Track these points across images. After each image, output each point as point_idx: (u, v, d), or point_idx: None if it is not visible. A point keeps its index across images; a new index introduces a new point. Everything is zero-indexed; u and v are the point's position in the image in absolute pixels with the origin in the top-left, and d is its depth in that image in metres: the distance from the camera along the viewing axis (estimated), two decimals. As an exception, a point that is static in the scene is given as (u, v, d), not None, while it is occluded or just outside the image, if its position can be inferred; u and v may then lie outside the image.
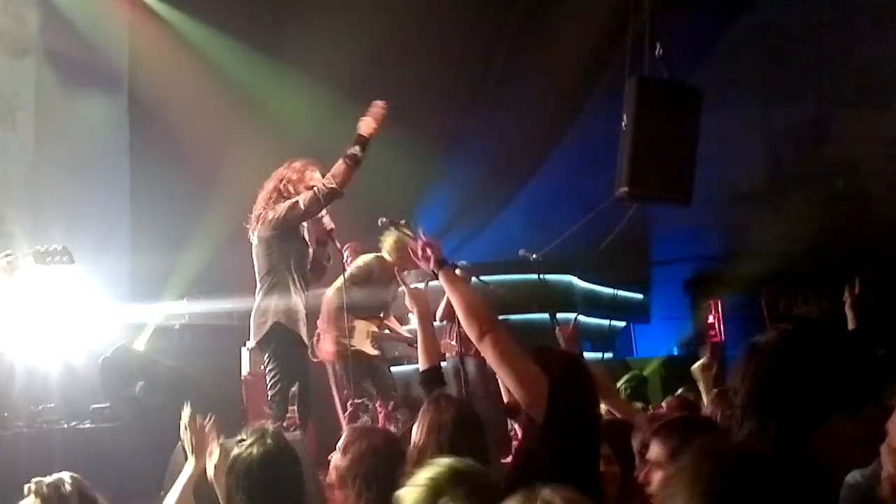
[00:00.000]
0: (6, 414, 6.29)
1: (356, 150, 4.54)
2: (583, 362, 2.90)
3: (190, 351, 7.08)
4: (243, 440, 2.61)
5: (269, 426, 3.61)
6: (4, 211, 8.65)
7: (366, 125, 4.56)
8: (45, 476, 2.32)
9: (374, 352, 5.59)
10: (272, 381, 4.56)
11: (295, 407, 4.84)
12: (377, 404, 5.41)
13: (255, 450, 2.55)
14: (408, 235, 3.85)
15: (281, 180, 4.69)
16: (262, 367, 4.74)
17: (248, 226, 4.78)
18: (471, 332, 2.61)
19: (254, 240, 4.68)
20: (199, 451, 2.86)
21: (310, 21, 8.71)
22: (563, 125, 9.83)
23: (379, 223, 6.18)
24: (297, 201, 4.51)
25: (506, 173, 9.72)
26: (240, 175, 7.24)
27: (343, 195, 4.62)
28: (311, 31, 8.54)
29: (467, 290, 2.69)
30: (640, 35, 5.88)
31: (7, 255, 4.05)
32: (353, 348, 5.41)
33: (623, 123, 5.70)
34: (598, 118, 8.40)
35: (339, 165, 4.53)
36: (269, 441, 2.58)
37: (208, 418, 2.95)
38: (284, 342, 4.54)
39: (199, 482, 2.94)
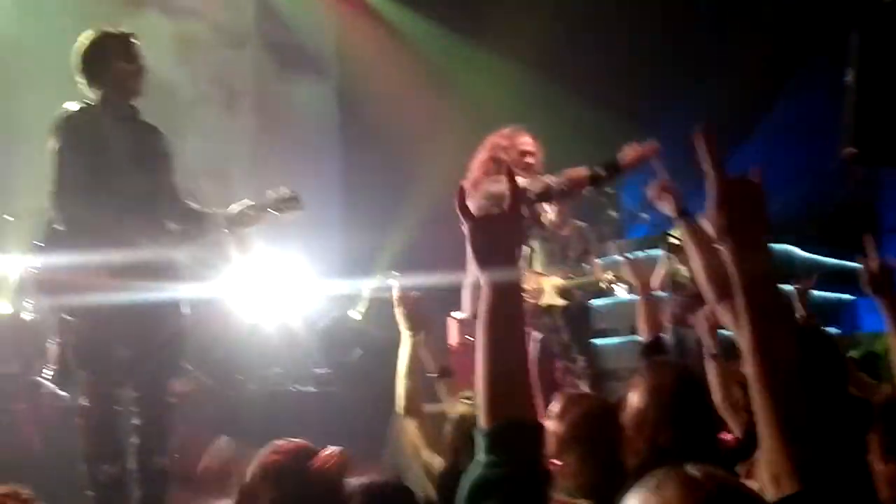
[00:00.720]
0: (241, 377, 6.85)
1: (601, 169, 4.35)
2: (832, 339, 2.64)
3: (400, 321, 7.33)
4: (468, 398, 2.64)
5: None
6: (232, 190, 9.36)
7: (626, 155, 4.34)
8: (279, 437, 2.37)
9: (563, 301, 5.39)
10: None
11: None
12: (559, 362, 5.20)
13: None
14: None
15: (493, 148, 4.61)
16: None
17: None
18: (709, 293, 2.41)
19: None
20: (414, 324, 2.91)
21: (508, 4, 8.75)
22: (775, 84, 9.24)
23: (584, 194, 6.13)
24: (526, 188, 4.39)
25: (717, 137, 9.30)
26: (443, 154, 7.40)
27: (571, 197, 4.48)
28: (508, 15, 8.58)
29: (707, 247, 2.45)
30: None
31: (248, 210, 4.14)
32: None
33: (847, 79, 5.23)
34: (818, 74, 7.82)
35: (579, 172, 4.37)
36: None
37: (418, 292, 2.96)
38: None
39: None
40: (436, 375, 3.12)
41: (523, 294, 2.07)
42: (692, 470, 1.12)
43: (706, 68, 9.10)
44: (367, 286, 7.72)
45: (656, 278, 5.54)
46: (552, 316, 5.40)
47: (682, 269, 6.30)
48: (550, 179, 4.42)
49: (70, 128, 3.61)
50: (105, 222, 3.57)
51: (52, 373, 6.07)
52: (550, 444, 2.63)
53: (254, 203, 4.15)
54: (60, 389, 6.01)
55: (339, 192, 9.65)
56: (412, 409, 2.99)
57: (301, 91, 9.90)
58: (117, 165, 3.72)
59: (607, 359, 6.83)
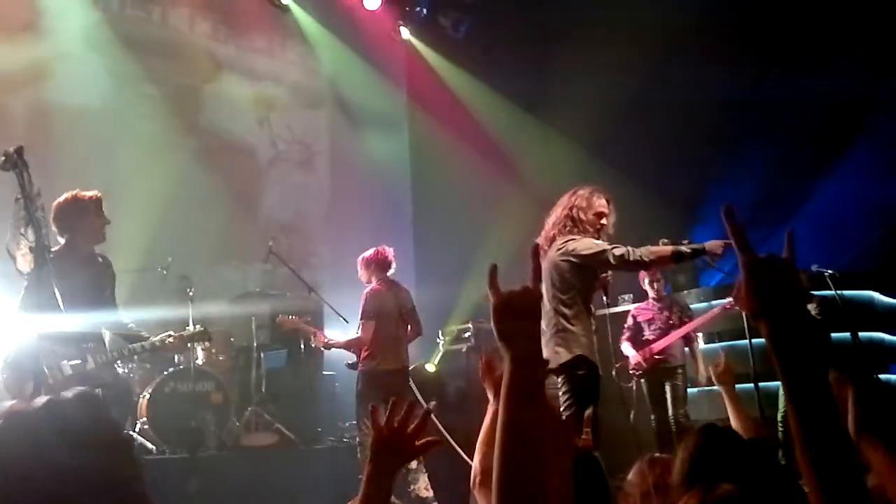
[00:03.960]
0: (320, 429, 6.98)
1: (686, 248, 4.47)
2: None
3: (476, 372, 7.38)
4: None
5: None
6: (308, 245, 9.63)
7: (713, 245, 4.43)
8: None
9: None
10: (567, 402, 4.58)
11: (590, 429, 4.87)
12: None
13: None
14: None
15: (571, 208, 4.71)
16: (557, 388, 4.79)
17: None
18: None
19: (544, 264, 4.72)
20: (497, 393, 2.90)
21: (565, 79, 9.00)
22: (850, 125, 9.11)
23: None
24: (605, 251, 4.50)
25: (790, 182, 9.17)
26: (509, 213, 7.54)
27: (648, 269, 4.56)
28: (565, 89, 8.84)
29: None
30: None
31: None
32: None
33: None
34: (891, 113, 7.68)
35: (664, 249, 4.49)
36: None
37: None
38: (587, 372, 4.55)
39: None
40: None
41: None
42: None
43: (775, 120, 9.06)
44: (439, 338, 7.84)
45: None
46: None
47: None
48: (636, 251, 4.51)
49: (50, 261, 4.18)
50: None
51: (141, 426, 6.30)
52: None
53: (173, 334, 4.93)
54: (149, 442, 6.22)
55: (410, 247, 9.83)
56: (487, 482, 2.97)
57: (374, 147, 10.18)
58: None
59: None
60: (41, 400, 1.76)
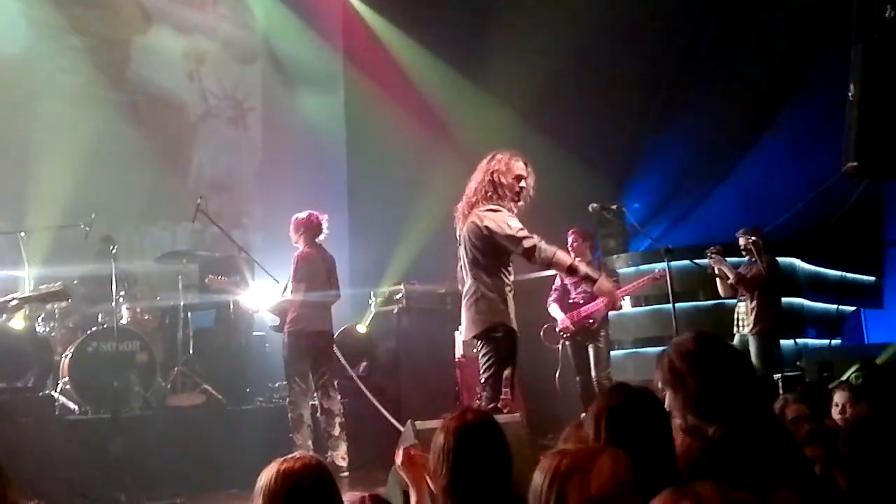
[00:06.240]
0: (248, 389, 6.93)
1: (584, 269, 4.65)
2: None
3: (406, 334, 7.42)
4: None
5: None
6: (239, 205, 9.48)
7: (604, 287, 4.69)
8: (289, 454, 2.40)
9: None
10: (486, 364, 4.68)
11: (508, 389, 4.95)
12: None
13: (455, 423, 2.62)
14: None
15: (491, 172, 4.78)
16: (475, 350, 4.87)
17: (455, 216, 4.91)
18: None
19: (462, 231, 4.81)
20: (417, 485, 2.93)
21: (499, 44, 8.97)
22: (780, 97, 9.30)
23: (590, 209, 6.24)
24: (516, 238, 4.57)
25: (718, 151, 9.35)
26: (442, 173, 7.52)
27: (546, 268, 4.70)
28: (500, 55, 8.82)
29: None
30: (868, -5, 5.42)
31: None
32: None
33: (850, 93, 5.27)
34: (820, 87, 7.86)
35: (564, 258, 4.60)
36: (469, 416, 2.64)
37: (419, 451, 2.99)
38: (504, 335, 4.65)
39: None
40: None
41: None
42: None
43: (706, 90, 9.19)
44: (371, 299, 7.82)
45: None
46: None
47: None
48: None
49: None
50: None
51: (63, 385, 6.17)
52: None
53: (25, 294, 4.91)
54: (71, 402, 6.10)
55: (344, 206, 9.75)
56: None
57: (308, 105, 10.01)
58: None
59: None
60: None
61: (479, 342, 4.68)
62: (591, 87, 8.87)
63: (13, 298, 4.81)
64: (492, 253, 4.64)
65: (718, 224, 8.02)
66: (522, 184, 4.76)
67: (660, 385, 2.38)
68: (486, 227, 4.60)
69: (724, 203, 9.12)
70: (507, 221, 4.62)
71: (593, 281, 4.64)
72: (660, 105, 9.38)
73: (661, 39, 9.17)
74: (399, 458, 2.92)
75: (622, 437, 2.21)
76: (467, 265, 4.71)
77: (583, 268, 4.65)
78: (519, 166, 4.79)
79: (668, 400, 2.37)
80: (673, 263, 6.24)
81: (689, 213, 9.43)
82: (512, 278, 4.76)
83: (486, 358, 4.65)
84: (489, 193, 4.72)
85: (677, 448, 2.31)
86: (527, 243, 4.53)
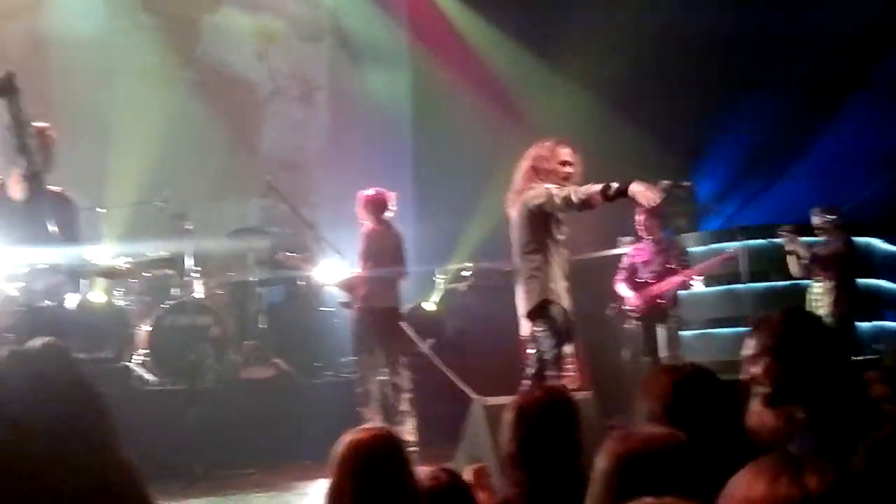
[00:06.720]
0: (317, 364, 7.05)
1: (614, 190, 4.51)
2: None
3: (473, 311, 7.44)
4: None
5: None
6: (307, 183, 9.58)
7: (639, 192, 4.47)
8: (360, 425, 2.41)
9: None
10: (543, 343, 4.74)
11: (572, 367, 5.03)
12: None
13: (538, 393, 2.63)
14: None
15: (535, 159, 4.89)
16: (533, 330, 4.90)
17: (507, 201, 5.01)
18: None
19: (513, 214, 4.89)
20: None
21: (577, 28, 8.82)
22: (860, 71, 8.98)
23: (660, 186, 6.15)
24: (551, 195, 4.63)
25: (794, 126, 9.08)
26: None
27: (591, 207, 4.65)
28: (578, 38, 8.67)
29: None
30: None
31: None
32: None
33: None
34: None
35: (594, 189, 4.54)
36: (543, 393, 2.64)
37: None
38: (555, 313, 4.71)
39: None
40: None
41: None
42: None
43: (782, 63, 8.93)
44: (437, 277, 7.85)
45: None
46: None
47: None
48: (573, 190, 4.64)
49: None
50: None
51: (141, 358, 6.35)
52: None
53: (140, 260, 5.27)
54: (148, 374, 6.29)
55: (410, 184, 9.77)
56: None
57: (375, 83, 10.04)
58: None
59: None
60: (4, 351, 1.73)
61: (534, 321, 4.77)
62: (663, 65, 8.68)
63: (127, 263, 5.01)
64: (539, 230, 4.74)
65: (793, 202, 7.80)
66: (569, 169, 4.82)
67: (749, 358, 2.31)
68: (529, 204, 4.71)
69: (799, 181, 8.87)
70: (542, 187, 4.70)
71: (626, 188, 4.47)
72: (731, 83, 9.14)
73: (735, 12, 8.92)
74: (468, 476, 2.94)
75: (684, 418, 2.16)
76: (518, 247, 4.83)
77: (613, 184, 4.54)
78: (565, 152, 4.87)
79: (755, 372, 2.30)
80: (746, 243, 6.15)
81: (763, 190, 9.20)
82: (563, 256, 4.82)
83: (542, 337, 4.75)
84: (533, 181, 4.79)
85: (758, 425, 2.25)
86: (562, 193, 4.60)
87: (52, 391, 1.66)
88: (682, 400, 2.18)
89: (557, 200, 4.60)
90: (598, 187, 4.54)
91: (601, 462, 1.78)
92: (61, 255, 4.15)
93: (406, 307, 6.75)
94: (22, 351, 1.73)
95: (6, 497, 1.58)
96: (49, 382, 1.68)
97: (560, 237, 4.83)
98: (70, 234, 4.36)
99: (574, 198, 4.55)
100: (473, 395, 5.22)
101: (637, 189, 4.45)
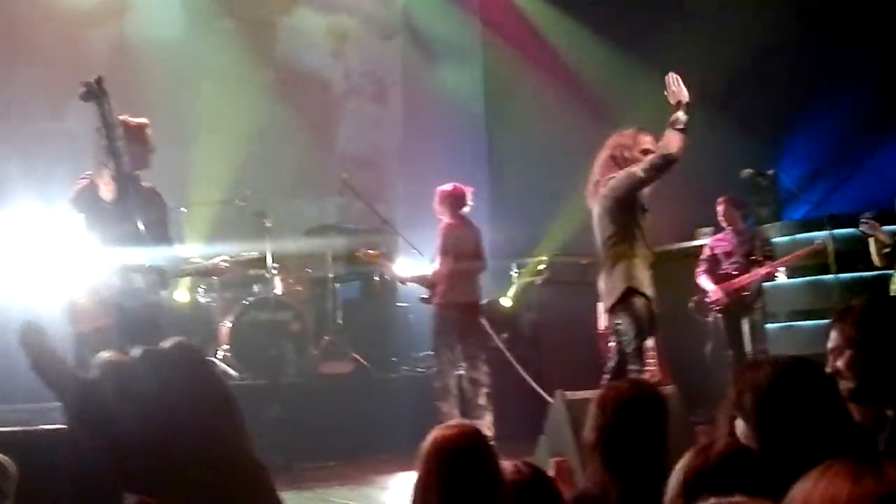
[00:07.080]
0: (394, 359, 7.10)
1: (680, 115, 4.44)
2: None
3: (549, 306, 7.38)
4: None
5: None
6: (382, 179, 9.66)
7: (673, 95, 4.52)
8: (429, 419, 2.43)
9: None
10: (625, 338, 4.65)
11: (653, 361, 4.94)
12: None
13: (624, 387, 2.59)
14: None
15: (616, 147, 4.80)
16: (615, 323, 4.82)
17: (587, 194, 4.93)
18: None
19: (594, 207, 4.82)
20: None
21: (665, 23, 8.60)
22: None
23: (743, 175, 6.00)
24: (634, 171, 4.55)
25: (885, 110, 8.71)
26: (593, 141, 7.36)
27: (679, 161, 4.54)
28: (669, 38, 8.45)
29: None
30: None
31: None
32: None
33: None
34: None
35: (670, 134, 4.47)
36: (628, 388, 2.61)
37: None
38: (639, 305, 4.62)
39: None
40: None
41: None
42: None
43: (869, 46, 8.57)
44: (513, 272, 7.82)
45: None
46: None
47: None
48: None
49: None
50: None
51: (223, 353, 6.51)
52: None
53: (231, 259, 5.38)
54: (230, 369, 6.43)
55: (485, 179, 9.74)
56: None
57: (448, 79, 10.04)
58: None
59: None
60: (137, 351, 1.76)
61: (616, 314, 4.69)
62: (750, 52, 8.42)
63: (223, 261, 5.23)
64: (622, 219, 4.66)
65: (883, 190, 7.49)
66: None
67: (832, 350, 2.21)
68: (609, 191, 4.64)
69: (889, 167, 8.52)
70: (622, 173, 4.64)
71: (677, 102, 4.51)
72: (824, 66, 8.81)
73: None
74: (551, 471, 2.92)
75: (774, 418, 1.96)
76: (601, 238, 4.75)
77: (670, 128, 4.51)
78: (646, 140, 4.77)
79: (839, 366, 2.18)
80: (833, 232, 5.93)
81: (850, 178, 8.87)
82: (646, 245, 4.74)
83: (625, 330, 4.66)
84: (612, 169, 4.72)
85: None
86: (640, 167, 4.55)
87: (184, 391, 1.68)
88: (781, 392, 1.97)
89: (639, 174, 4.54)
90: (669, 143, 4.50)
91: (674, 477, 1.73)
92: (155, 254, 4.28)
93: (482, 302, 6.75)
94: (154, 351, 1.76)
95: (156, 492, 1.62)
96: (182, 382, 1.70)
97: (644, 224, 4.76)
98: (160, 233, 4.51)
99: (655, 158, 4.51)
100: (545, 395, 5.18)
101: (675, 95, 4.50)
